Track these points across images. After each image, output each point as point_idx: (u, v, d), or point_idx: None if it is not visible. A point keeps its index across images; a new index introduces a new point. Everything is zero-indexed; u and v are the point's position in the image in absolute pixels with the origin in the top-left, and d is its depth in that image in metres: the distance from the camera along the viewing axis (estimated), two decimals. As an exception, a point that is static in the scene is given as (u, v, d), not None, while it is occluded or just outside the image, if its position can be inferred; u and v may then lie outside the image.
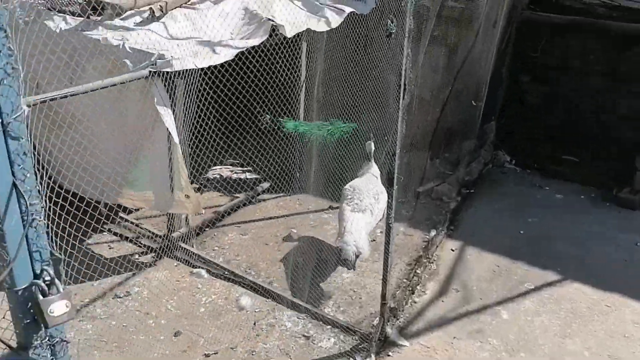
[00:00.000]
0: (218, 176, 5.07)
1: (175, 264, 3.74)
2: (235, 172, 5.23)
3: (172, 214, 3.88)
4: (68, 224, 3.17)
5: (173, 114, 3.34)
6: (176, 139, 3.29)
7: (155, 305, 3.28)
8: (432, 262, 3.91)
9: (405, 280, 3.70)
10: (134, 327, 3.12)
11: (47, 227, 1.63)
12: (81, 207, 3.13)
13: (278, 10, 4.09)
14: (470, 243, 4.14)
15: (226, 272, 3.64)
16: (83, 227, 3.41)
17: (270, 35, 3.99)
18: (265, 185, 4.91)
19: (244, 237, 4.16)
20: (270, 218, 4.47)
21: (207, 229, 4.16)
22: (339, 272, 3.75)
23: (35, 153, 3.45)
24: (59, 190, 2.37)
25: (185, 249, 3.80)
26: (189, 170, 3.72)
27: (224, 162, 5.23)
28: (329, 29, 4.59)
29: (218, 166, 5.21)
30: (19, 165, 1.46)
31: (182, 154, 3.72)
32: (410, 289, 3.60)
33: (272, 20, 3.97)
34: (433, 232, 4.24)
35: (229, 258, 3.87)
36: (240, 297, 3.42)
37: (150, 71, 3.13)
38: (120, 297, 3.34)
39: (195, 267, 3.70)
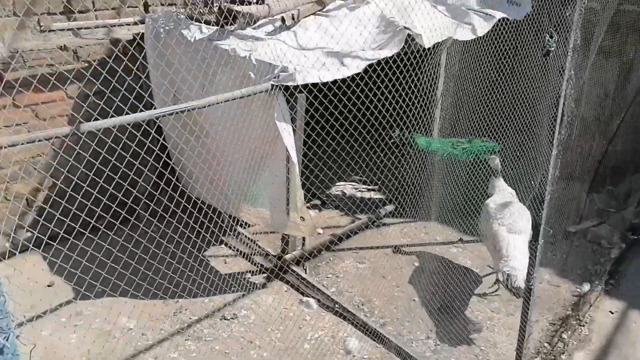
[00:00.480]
0: (341, 193, 4.79)
1: (285, 289, 3.51)
2: (360, 190, 4.91)
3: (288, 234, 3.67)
4: (194, 232, 3.12)
5: (293, 130, 3.11)
6: (294, 158, 3.04)
7: (260, 334, 3.07)
8: (584, 326, 3.22)
9: (546, 345, 3.07)
10: (236, 355, 2.93)
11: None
12: (203, 217, 3.05)
13: (418, 17, 3.67)
14: (637, 306, 3.36)
15: (337, 306, 3.32)
16: (208, 236, 3.37)
17: (407, 43, 3.60)
18: (390, 208, 4.51)
19: (361, 266, 3.81)
20: (391, 247, 4.07)
21: (323, 252, 3.88)
22: (464, 323, 3.24)
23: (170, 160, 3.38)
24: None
25: (297, 273, 3.56)
26: (310, 184, 3.48)
27: (348, 178, 4.95)
28: (474, 37, 4.07)
29: (342, 182, 4.93)
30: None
31: (302, 171, 3.49)
32: (553, 357, 2.97)
33: (409, 29, 3.57)
34: (587, 286, 3.52)
35: (342, 288, 3.55)
36: (349, 338, 3.07)
37: (272, 84, 2.92)
38: (227, 319, 3.18)
39: (305, 295, 3.43)
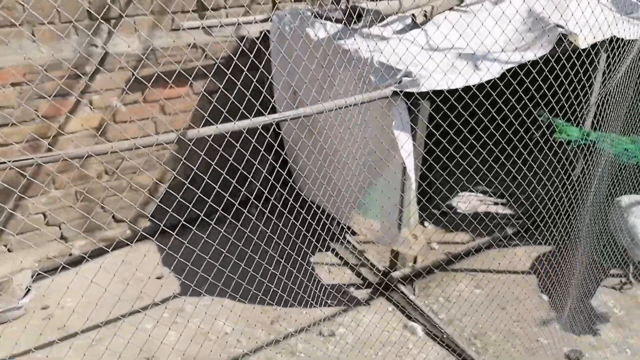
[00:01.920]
0: (463, 205, 4.39)
1: (390, 309, 3.27)
2: (485, 203, 4.47)
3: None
4: (301, 236, 3.03)
5: (413, 140, 2.84)
6: (411, 172, 2.78)
7: (356, 357, 2.87)
8: None
9: None
10: (329, 377, 2.77)
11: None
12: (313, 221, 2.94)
13: (574, 12, 3.16)
14: None
15: (445, 336, 3.01)
16: (314, 241, 3.26)
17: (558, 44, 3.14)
18: (518, 226, 4.03)
19: (477, 292, 3.43)
20: (516, 272, 3.61)
21: (435, 271, 3.56)
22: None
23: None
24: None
25: (404, 293, 3.29)
26: (428, 193, 3.19)
27: (472, 189, 4.52)
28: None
29: (465, 193, 4.52)
30: None
31: (420, 178, 3.21)
32: None
33: (562, 27, 3.09)
34: None
35: (453, 316, 3.21)
36: (456, 377, 2.76)
37: (392, 90, 2.68)
38: (323, 336, 3.03)
39: (411, 320, 3.16)
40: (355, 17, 3.31)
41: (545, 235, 3.60)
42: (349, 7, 3.27)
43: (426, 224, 4.17)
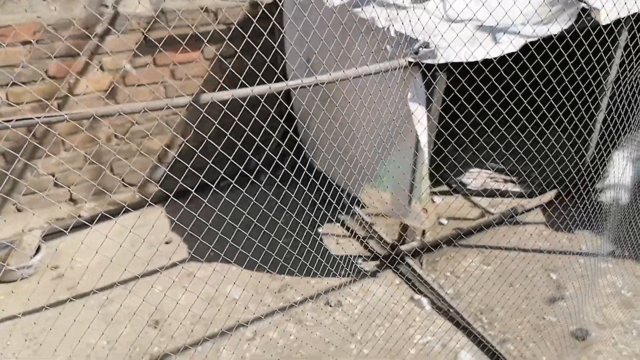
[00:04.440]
0: (473, 181, 4.35)
1: (398, 282, 3.27)
2: (497, 180, 4.42)
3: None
4: (311, 205, 3.02)
5: (427, 114, 2.78)
6: (424, 145, 2.73)
7: (364, 327, 2.88)
8: None
9: None
10: (335, 346, 2.79)
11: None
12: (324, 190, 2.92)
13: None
14: None
15: (451, 311, 3.01)
16: (323, 211, 3.24)
17: (579, 19, 3.04)
18: (529, 204, 3.99)
19: (486, 268, 3.42)
20: (526, 250, 3.59)
21: (444, 246, 3.55)
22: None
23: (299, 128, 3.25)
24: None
25: (411, 267, 3.29)
26: (440, 168, 3.15)
27: (485, 164, 4.47)
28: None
29: (477, 169, 4.47)
30: None
31: (433, 154, 3.17)
32: None
33: (584, 1, 2.99)
34: None
35: (461, 291, 3.21)
36: (461, 351, 2.76)
37: (409, 61, 2.61)
38: (331, 306, 3.04)
39: (418, 293, 3.17)
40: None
41: (561, 214, 3.59)
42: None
43: (436, 199, 4.14)
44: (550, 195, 4.03)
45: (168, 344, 2.75)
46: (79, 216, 3.64)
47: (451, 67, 2.74)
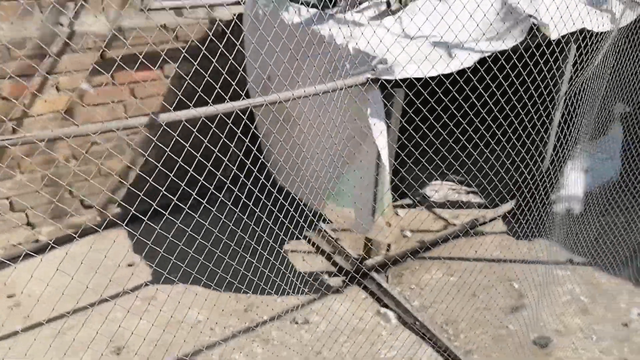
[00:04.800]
0: (435, 193, 4.43)
1: (363, 296, 3.28)
2: (458, 192, 4.51)
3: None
4: (278, 223, 3.01)
5: (387, 129, 2.83)
6: (385, 160, 2.77)
7: (329, 345, 2.88)
8: None
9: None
10: (302, 364, 2.77)
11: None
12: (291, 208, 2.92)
13: (546, 3, 3.20)
14: None
15: (417, 323, 3.04)
16: (292, 228, 3.24)
17: (530, 34, 3.16)
18: (489, 215, 4.08)
19: (449, 279, 3.47)
20: (488, 260, 3.67)
21: (408, 259, 3.59)
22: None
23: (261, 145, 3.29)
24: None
25: (376, 281, 3.31)
26: (401, 181, 3.19)
27: (447, 176, 4.55)
28: (613, 27, 3.50)
29: (439, 181, 4.55)
30: None
31: (394, 167, 3.21)
32: None
33: (534, 17, 3.10)
34: None
35: (425, 303, 3.25)
36: (427, 364, 2.79)
37: (367, 78, 2.65)
38: (297, 324, 3.03)
39: (384, 307, 3.18)
40: (329, 1, 3.26)
41: (520, 223, 3.68)
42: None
43: (400, 211, 4.19)
44: (510, 204, 4.13)
45: (130, 371, 2.68)
46: (37, 241, 3.53)
47: (414, 81, 2.79)
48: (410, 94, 2.84)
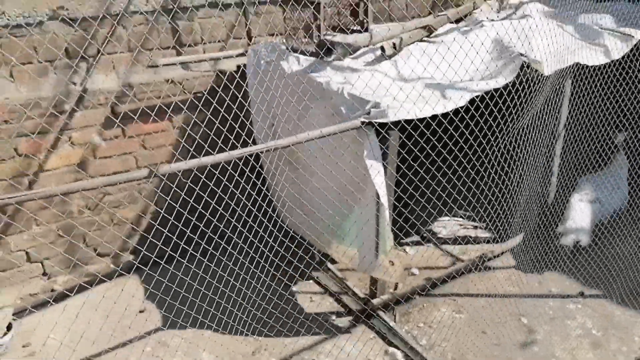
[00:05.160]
0: (443, 229, 4.45)
1: (371, 336, 3.29)
2: (466, 227, 4.53)
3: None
4: (285, 262, 3.08)
5: (384, 170, 2.90)
6: (383, 199, 2.84)
7: (338, 386, 2.88)
8: None
9: None
10: (310, 407, 2.78)
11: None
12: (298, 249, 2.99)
13: (539, 41, 3.30)
14: None
15: (425, 363, 3.03)
16: (296, 270, 3.29)
17: (523, 70, 3.25)
18: (497, 250, 4.08)
19: (458, 317, 3.46)
20: (496, 296, 3.65)
21: (416, 297, 3.60)
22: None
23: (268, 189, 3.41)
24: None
25: (384, 320, 3.32)
26: (406, 219, 3.24)
27: (455, 212, 4.59)
28: (607, 61, 3.58)
29: (446, 217, 4.59)
30: None
31: (398, 205, 3.27)
32: None
33: (525, 56, 3.20)
34: None
35: (434, 341, 3.24)
36: (435, 403, 2.77)
37: (361, 122, 2.76)
38: (305, 365, 3.05)
39: (392, 346, 3.18)
40: (327, 50, 3.41)
41: (529, 256, 3.68)
42: (321, 40, 3.37)
43: (408, 249, 4.22)
44: (518, 238, 4.13)
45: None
46: (52, 290, 3.64)
47: (418, 122, 2.88)
48: (414, 134, 2.92)
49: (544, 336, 3.26)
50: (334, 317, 3.44)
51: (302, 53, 3.57)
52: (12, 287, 3.50)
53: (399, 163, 3.13)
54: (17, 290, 3.52)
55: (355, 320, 3.39)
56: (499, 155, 3.29)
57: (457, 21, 3.99)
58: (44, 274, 3.65)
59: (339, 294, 3.65)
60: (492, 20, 3.90)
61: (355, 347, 3.15)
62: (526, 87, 3.28)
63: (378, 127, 2.81)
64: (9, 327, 3.19)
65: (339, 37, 3.48)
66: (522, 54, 3.22)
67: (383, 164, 2.89)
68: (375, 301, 3.40)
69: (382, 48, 3.37)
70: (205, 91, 3.85)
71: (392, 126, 2.85)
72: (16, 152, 3.32)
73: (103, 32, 3.45)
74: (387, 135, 2.89)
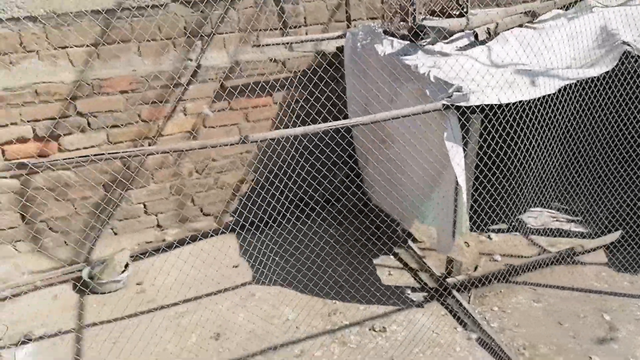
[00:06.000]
0: (533, 220, 4.37)
1: (443, 313, 3.40)
2: (558, 220, 4.40)
3: (456, 256, 3.54)
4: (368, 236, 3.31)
5: (464, 152, 2.98)
6: (461, 182, 2.93)
7: (404, 354, 3.05)
8: None
9: None
10: (376, 368, 2.99)
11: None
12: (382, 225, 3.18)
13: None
14: None
15: (493, 344, 3.09)
16: (379, 244, 3.49)
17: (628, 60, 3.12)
18: (589, 245, 3.94)
19: (535, 305, 3.44)
20: (581, 290, 3.57)
21: (494, 282, 3.62)
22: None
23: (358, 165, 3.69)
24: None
25: (458, 299, 3.41)
26: (495, 206, 3.27)
27: (548, 204, 4.48)
28: None
29: (538, 208, 4.48)
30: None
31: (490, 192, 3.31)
32: None
33: (628, 44, 3.07)
34: None
35: (505, 325, 3.27)
36: (497, 382, 2.84)
37: (443, 104, 2.85)
38: (375, 331, 3.25)
39: (462, 325, 3.27)
40: (420, 34, 3.49)
41: (623, 254, 3.53)
42: (415, 24, 3.46)
43: (493, 235, 4.22)
44: (615, 235, 3.96)
45: (226, 356, 3.09)
46: (164, 240, 4.17)
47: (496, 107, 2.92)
48: (502, 120, 2.96)
49: (626, 335, 3.16)
50: (409, 291, 3.59)
51: (397, 37, 3.68)
52: (131, 234, 4.08)
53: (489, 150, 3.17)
54: (136, 237, 4.09)
55: (430, 297, 3.51)
56: (600, 148, 3.19)
57: (566, 7, 3.86)
58: (158, 225, 4.19)
59: (416, 271, 3.79)
60: (606, 6, 3.72)
61: (426, 321, 3.29)
62: (629, 78, 3.14)
63: (459, 111, 2.89)
64: (126, 266, 3.75)
65: (433, 22, 3.55)
66: (625, 42, 3.09)
67: (463, 147, 2.96)
68: (450, 280, 3.49)
69: (475, 33, 3.39)
70: (305, 71, 4.12)
71: (474, 110, 2.91)
72: (139, 118, 3.83)
73: (217, 13, 3.83)
74: (467, 120, 2.96)
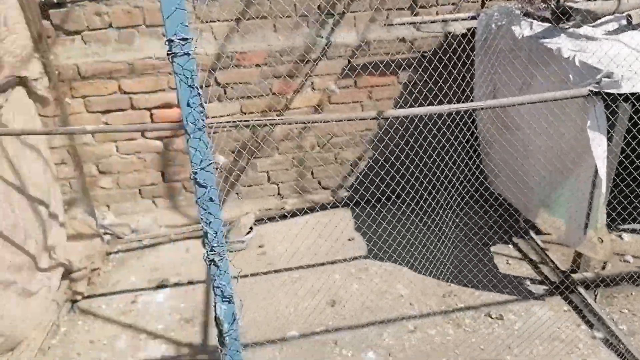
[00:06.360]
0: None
1: (565, 309, 3.26)
2: None
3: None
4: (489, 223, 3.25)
5: (609, 143, 2.80)
6: (602, 173, 2.77)
7: (522, 343, 2.98)
8: None
9: None
10: (488, 354, 2.95)
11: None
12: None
13: None
14: None
15: (621, 346, 2.92)
16: (500, 232, 3.41)
17: None
18: None
19: (672, 313, 3.19)
20: None
21: (624, 283, 3.40)
22: None
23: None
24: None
25: (583, 297, 3.25)
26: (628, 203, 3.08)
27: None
28: None
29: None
30: (205, 210, 1.78)
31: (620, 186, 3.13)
32: None
33: None
34: None
35: (636, 330, 3.07)
36: (624, 386, 2.69)
37: (589, 90, 2.69)
38: (492, 318, 3.19)
39: (586, 323, 3.12)
40: (563, 16, 3.31)
41: None
42: (558, 6, 3.28)
43: (625, 236, 3.95)
44: None
45: (341, 321, 3.22)
46: (283, 209, 4.37)
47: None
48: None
49: None
50: (528, 282, 3.48)
51: (536, 18, 3.52)
52: (254, 200, 4.33)
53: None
54: (258, 203, 4.34)
55: (551, 291, 3.38)
56: None
57: None
58: (279, 194, 4.40)
59: (537, 263, 3.65)
60: None
61: (547, 314, 3.18)
62: None
63: (607, 99, 2.71)
64: (250, 229, 4.00)
65: (580, 4, 3.34)
66: None
67: (606, 138, 2.79)
68: (575, 276, 3.33)
69: (629, 16, 3.15)
70: (432, 51, 4.07)
71: (628, 98, 2.72)
72: (270, 90, 4.02)
73: (350, -9, 3.90)
74: (616, 109, 2.77)
